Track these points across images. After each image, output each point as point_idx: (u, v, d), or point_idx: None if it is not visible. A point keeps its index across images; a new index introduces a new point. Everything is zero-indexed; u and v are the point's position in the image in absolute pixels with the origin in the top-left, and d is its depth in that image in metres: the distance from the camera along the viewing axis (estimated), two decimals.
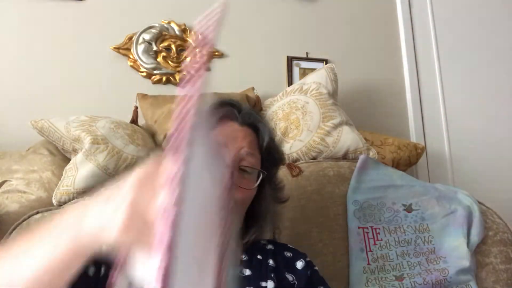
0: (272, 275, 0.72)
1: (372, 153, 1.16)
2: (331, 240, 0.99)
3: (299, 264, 0.77)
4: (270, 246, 0.81)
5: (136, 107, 1.23)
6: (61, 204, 0.96)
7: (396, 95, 1.64)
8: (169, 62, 1.40)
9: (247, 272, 0.73)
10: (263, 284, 0.70)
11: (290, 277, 0.74)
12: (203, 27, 0.40)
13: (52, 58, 1.30)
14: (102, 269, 0.67)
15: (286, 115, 1.21)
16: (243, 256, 0.76)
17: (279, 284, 0.71)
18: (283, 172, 1.08)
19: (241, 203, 0.72)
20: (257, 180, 0.74)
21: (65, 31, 1.33)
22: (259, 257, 0.77)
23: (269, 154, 0.79)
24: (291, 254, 0.79)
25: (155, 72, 1.37)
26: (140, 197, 0.36)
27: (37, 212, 0.92)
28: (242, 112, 0.78)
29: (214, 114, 0.76)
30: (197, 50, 0.40)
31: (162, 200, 0.32)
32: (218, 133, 0.74)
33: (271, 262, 0.75)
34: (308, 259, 0.79)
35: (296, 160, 1.16)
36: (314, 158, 1.16)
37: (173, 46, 1.40)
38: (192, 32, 1.43)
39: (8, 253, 0.42)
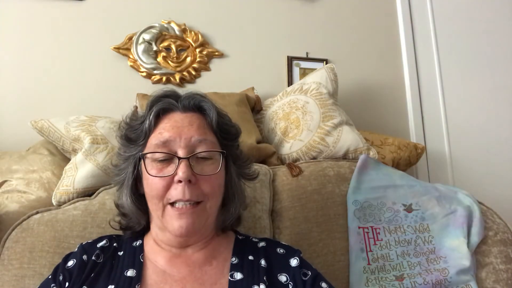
0: (264, 278, 0.69)
1: (372, 153, 1.16)
2: (331, 240, 0.98)
3: (294, 262, 0.74)
4: (262, 244, 0.78)
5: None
6: (60, 204, 0.96)
7: (396, 95, 1.64)
8: (169, 62, 1.40)
9: (239, 276, 0.70)
10: None
11: (283, 277, 0.71)
12: None
13: (52, 58, 1.30)
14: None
15: (286, 115, 1.21)
16: (233, 259, 0.73)
17: (272, 287, 0.69)
18: (283, 172, 1.08)
19: (212, 193, 0.70)
20: (220, 162, 0.71)
21: (65, 31, 1.33)
22: (250, 257, 0.74)
23: (223, 130, 0.76)
24: (284, 251, 0.76)
25: (155, 72, 1.37)
26: None
27: (37, 212, 0.92)
28: (180, 99, 0.75)
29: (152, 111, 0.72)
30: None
31: None
32: (162, 129, 0.71)
33: (263, 262, 0.73)
34: (301, 255, 0.76)
35: (296, 160, 1.16)
36: (314, 158, 1.16)
37: (173, 46, 1.40)
38: (192, 32, 1.43)
39: None
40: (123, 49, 1.36)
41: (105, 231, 0.86)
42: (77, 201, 0.95)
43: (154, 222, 0.74)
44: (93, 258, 0.70)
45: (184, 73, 1.40)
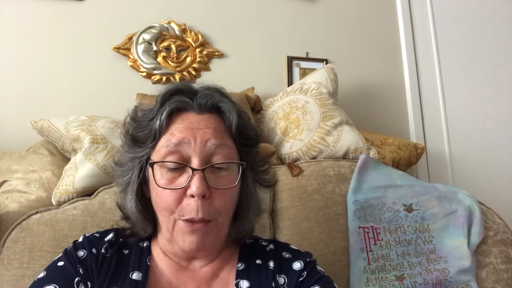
0: (272, 284, 0.66)
1: (373, 153, 1.16)
2: (331, 240, 0.98)
3: (297, 265, 0.69)
4: (271, 246, 0.74)
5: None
6: (60, 204, 0.96)
7: (396, 95, 1.64)
8: (169, 62, 1.40)
9: (245, 284, 0.65)
10: None
11: (281, 279, 0.67)
12: None
13: (52, 58, 1.30)
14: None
15: (286, 115, 1.21)
16: (239, 265, 0.69)
17: None
18: (283, 172, 1.08)
19: (225, 210, 0.64)
20: (238, 173, 0.64)
21: (65, 31, 1.33)
22: (258, 261, 0.69)
23: (242, 134, 0.68)
24: (290, 255, 0.72)
25: (155, 72, 1.37)
26: None
27: (37, 212, 0.92)
28: (196, 97, 0.66)
29: (165, 109, 0.64)
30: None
31: None
32: (175, 130, 0.64)
33: (271, 264, 0.69)
34: (309, 259, 0.70)
35: (297, 160, 1.16)
36: (314, 158, 1.16)
37: (173, 46, 1.40)
38: (192, 32, 1.43)
39: None
40: (123, 49, 1.36)
41: None
42: (77, 200, 0.95)
43: (162, 233, 0.68)
44: (102, 251, 0.66)
45: (184, 73, 1.40)
